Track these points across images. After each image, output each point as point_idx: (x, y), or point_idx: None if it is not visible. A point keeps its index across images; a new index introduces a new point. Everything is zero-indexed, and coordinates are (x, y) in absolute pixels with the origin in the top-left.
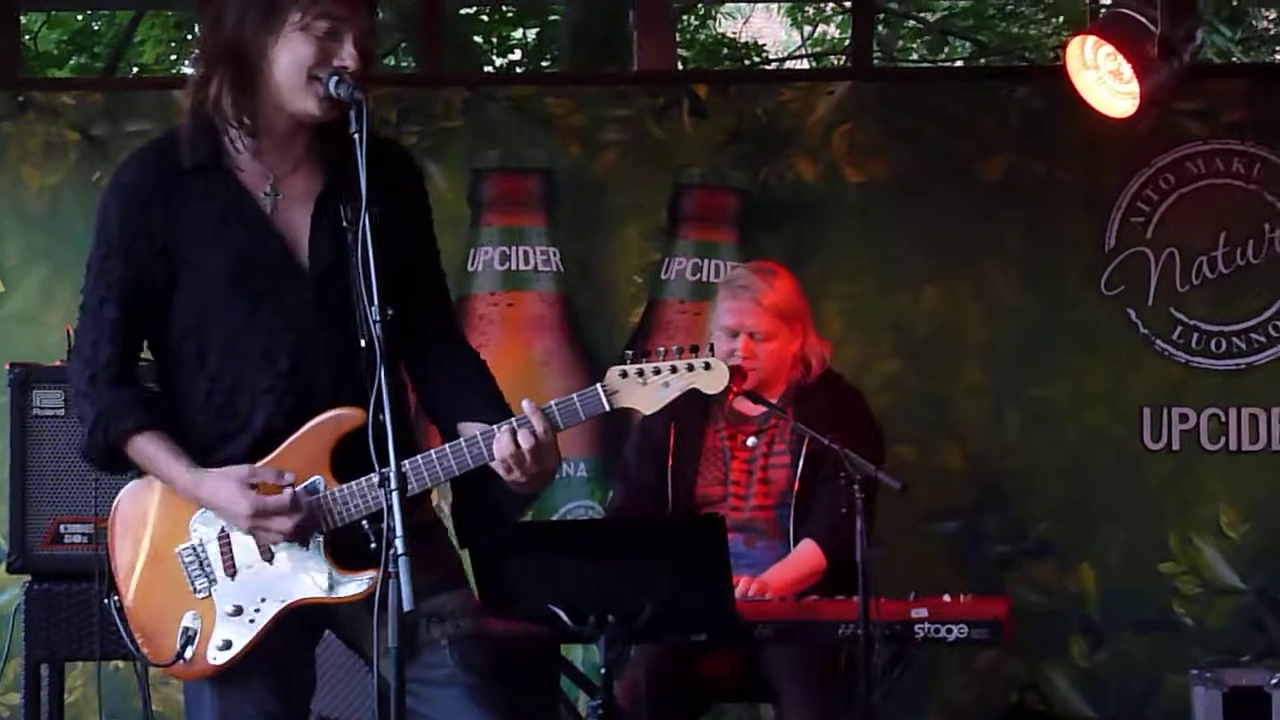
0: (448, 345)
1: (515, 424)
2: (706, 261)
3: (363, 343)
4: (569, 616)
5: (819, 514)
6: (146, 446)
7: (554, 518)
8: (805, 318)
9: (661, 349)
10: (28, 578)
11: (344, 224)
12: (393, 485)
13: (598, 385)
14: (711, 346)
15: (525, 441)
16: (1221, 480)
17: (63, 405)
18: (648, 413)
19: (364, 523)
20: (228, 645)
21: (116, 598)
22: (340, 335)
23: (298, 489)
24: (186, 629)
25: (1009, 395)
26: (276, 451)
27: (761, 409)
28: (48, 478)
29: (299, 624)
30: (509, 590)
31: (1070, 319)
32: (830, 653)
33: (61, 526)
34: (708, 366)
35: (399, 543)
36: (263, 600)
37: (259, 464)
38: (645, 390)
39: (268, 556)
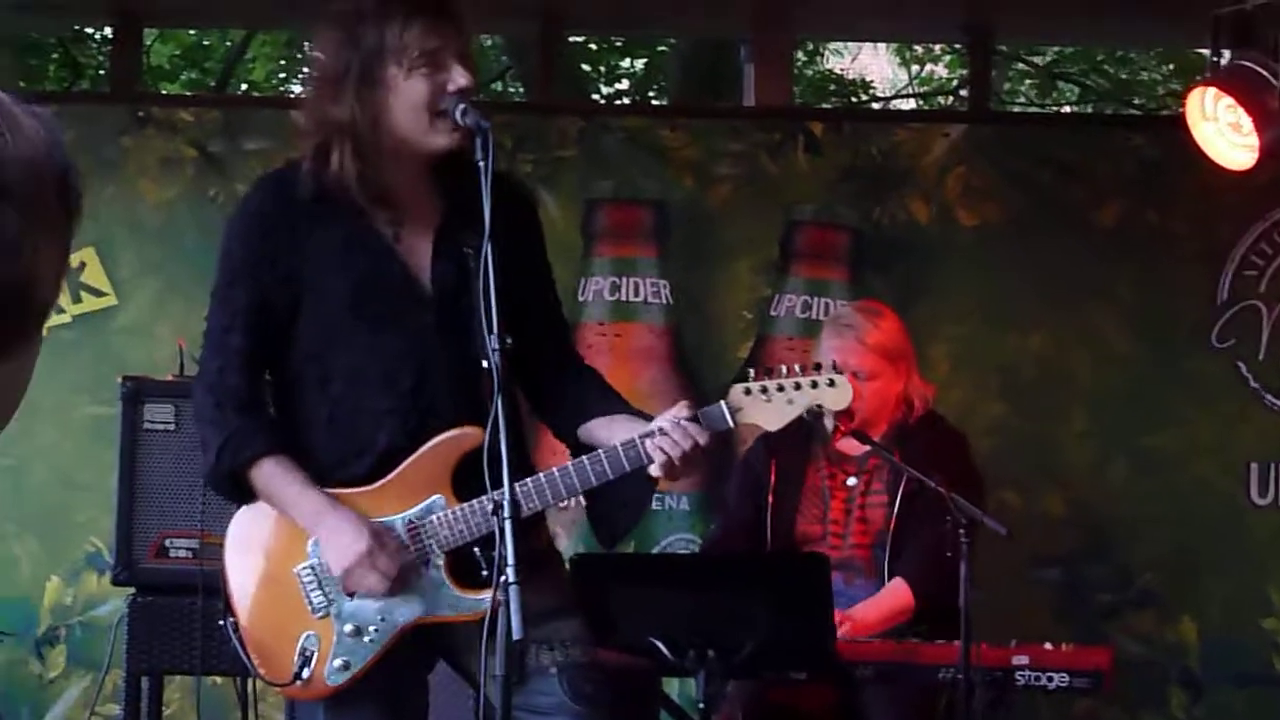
0: (566, 368)
1: (668, 428)
2: (816, 299)
3: (484, 364)
4: (669, 649)
5: (912, 553)
6: (273, 472)
7: (655, 550)
8: (909, 358)
9: (784, 366)
10: (131, 590)
11: (465, 250)
12: (506, 513)
13: (721, 402)
14: (835, 364)
15: (681, 447)
16: None
17: (173, 419)
18: (771, 429)
19: (476, 549)
20: (346, 666)
21: (233, 618)
22: (461, 358)
23: (411, 513)
24: (304, 649)
25: (1115, 443)
26: (399, 469)
27: (863, 449)
28: (155, 491)
29: (415, 648)
30: (610, 621)
31: (1180, 369)
32: (929, 696)
33: (167, 541)
34: (832, 383)
35: (510, 570)
36: (381, 620)
37: (375, 485)
38: (770, 407)
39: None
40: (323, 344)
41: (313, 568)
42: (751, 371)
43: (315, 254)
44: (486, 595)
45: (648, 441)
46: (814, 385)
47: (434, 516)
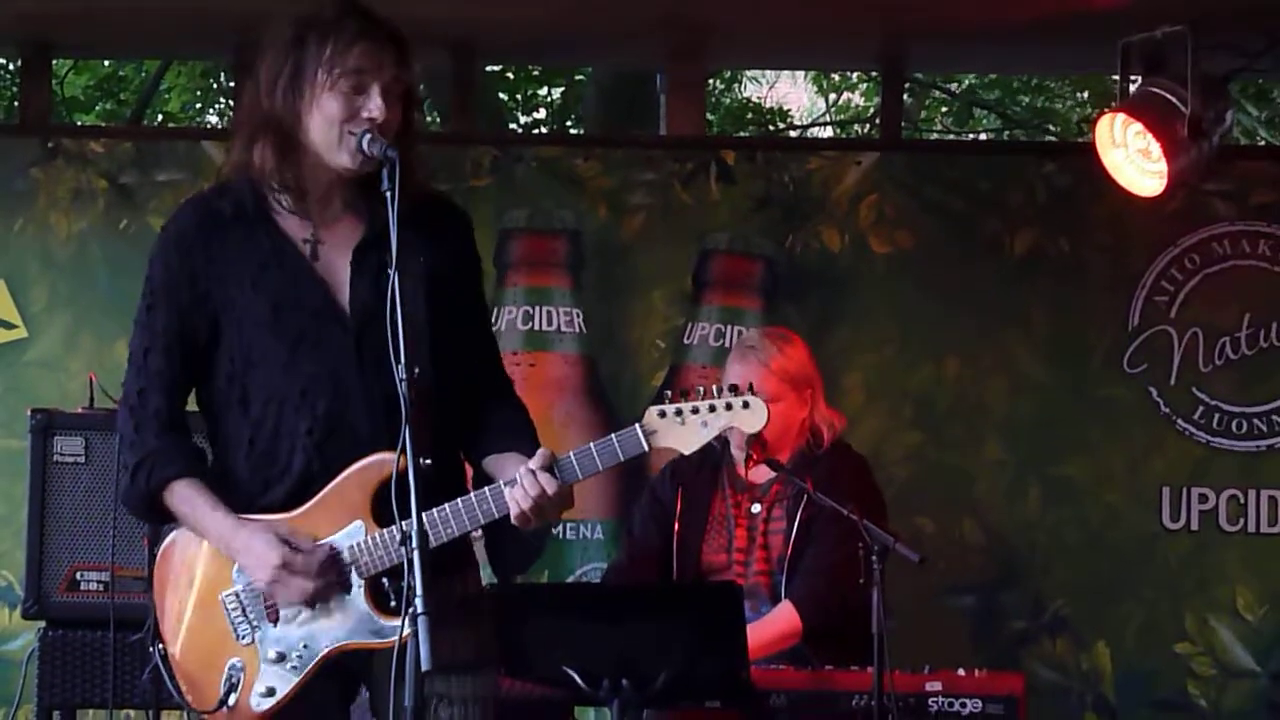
0: (490, 396)
1: (522, 477)
2: (730, 327)
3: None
4: (582, 679)
5: (802, 576)
6: (185, 494)
7: (569, 579)
8: (815, 386)
9: (700, 387)
10: (42, 623)
11: (387, 271)
12: (414, 544)
13: (636, 425)
14: (751, 386)
15: (530, 497)
16: (1239, 562)
17: (83, 452)
18: (686, 452)
19: (385, 580)
20: (270, 693)
21: (162, 645)
22: (380, 380)
23: (333, 539)
24: (230, 676)
25: (1029, 471)
26: (319, 495)
27: (767, 476)
28: (66, 524)
29: (337, 678)
30: (523, 651)
31: (1093, 396)
32: None
33: (78, 574)
34: (746, 405)
35: (419, 601)
36: (305, 646)
37: (296, 512)
38: (684, 430)
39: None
40: (243, 364)
41: (237, 594)
42: (668, 394)
43: (233, 272)
44: (397, 620)
45: (505, 490)
46: (729, 407)
47: (354, 543)
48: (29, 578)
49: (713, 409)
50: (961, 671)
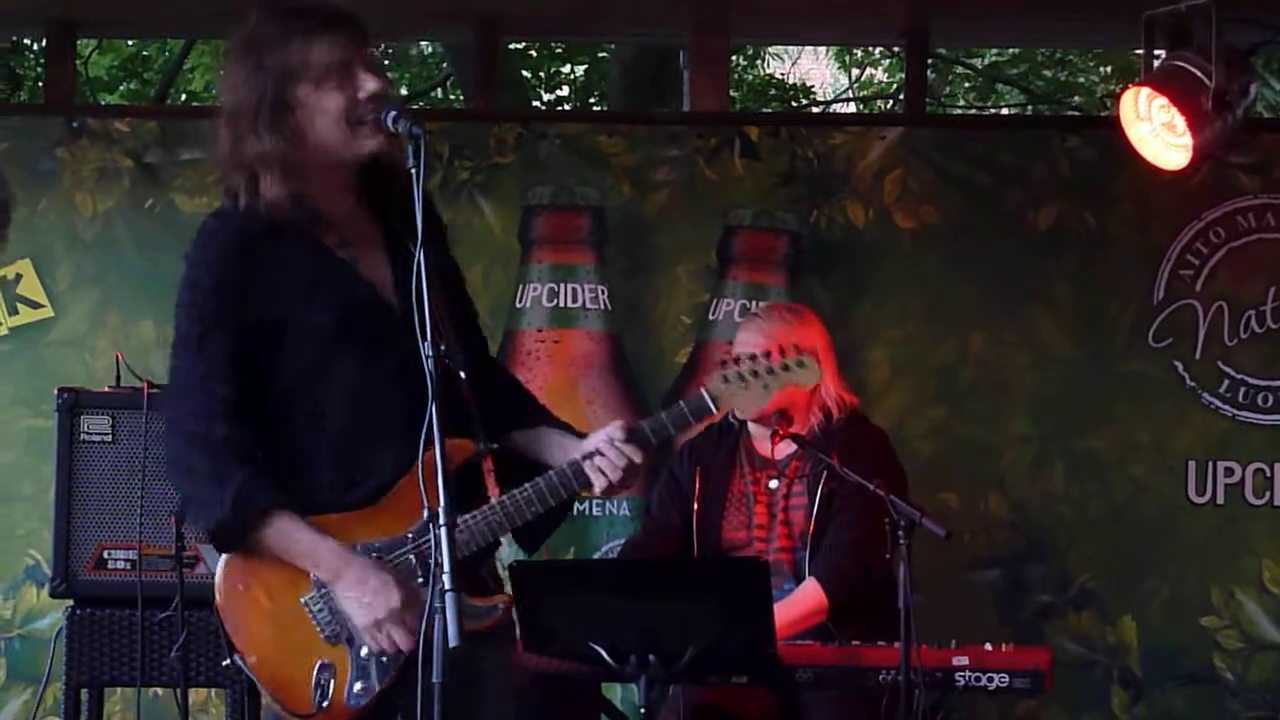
0: (488, 370)
1: (605, 450)
2: (755, 303)
3: (455, 373)
4: (610, 655)
5: (826, 553)
6: (283, 526)
7: (595, 555)
8: (825, 360)
9: (746, 353)
10: (70, 602)
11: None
12: (441, 521)
13: (702, 389)
14: (798, 346)
15: (619, 468)
16: (1265, 535)
17: (110, 431)
18: (750, 416)
19: (412, 557)
20: (366, 689)
21: (239, 656)
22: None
23: (417, 526)
24: (320, 677)
25: (1055, 445)
26: (395, 488)
27: (786, 452)
28: (93, 503)
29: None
30: (550, 628)
31: (1118, 370)
32: (870, 699)
33: (105, 552)
34: (801, 364)
35: (446, 578)
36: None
37: (372, 509)
38: (748, 392)
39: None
40: (311, 379)
41: (321, 595)
42: (722, 361)
43: (284, 291)
44: (497, 600)
45: (587, 464)
46: (785, 368)
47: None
48: (56, 556)
49: (771, 371)
50: (988, 646)
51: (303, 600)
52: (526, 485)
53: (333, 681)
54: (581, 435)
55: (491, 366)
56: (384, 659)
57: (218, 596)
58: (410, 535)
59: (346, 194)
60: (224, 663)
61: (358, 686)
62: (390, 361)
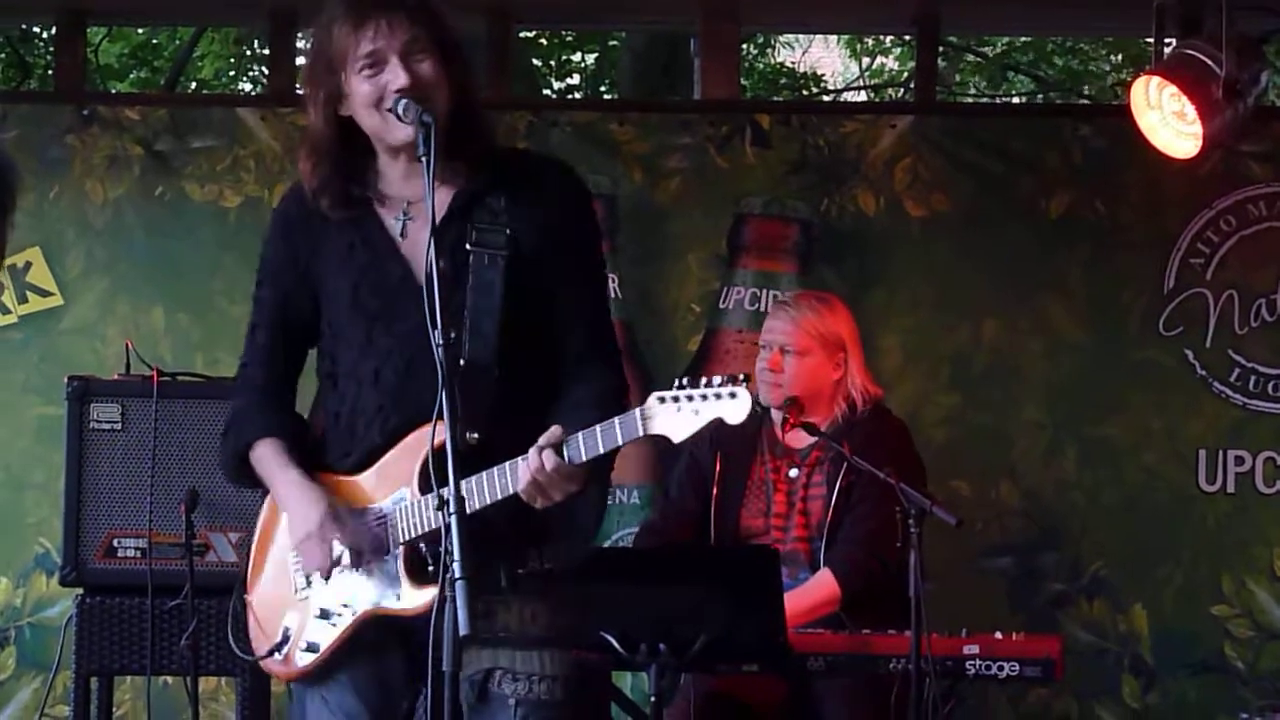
0: (581, 370)
1: (530, 453)
2: (765, 291)
3: (461, 362)
4: (621, 644)
5: (840, 544)
6: (262, 454)
7: (606, 544)
8: (851, 351)
9: (706, 378)
10: (80, 590)
11: (467, 248)
12: (452, 508)
13: (636, 410)
14: (743, 377)
15: (534, 472)
16: (1276, 524)
17: (119, 419)
18: (676, 440)
19: (422, 546)
20: (312, 648)
21: (246, 595)
22: (451, 355)
23: (381, 505)
24: (286, 628)
25: (1067, 432)
26: (377, 463)
27: (807, 441)
28: (103, 491)
29: (387, 637)
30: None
31: (1129, 358)
32: (881, 687)
33: (115, 540)
34: (733, 395)
35: (456, 566)
36: (344, 606)
37: (356, 477)
38: (679, 417)
39: (358, 562)
40: (331, 342)
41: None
42: (676, 380)
43: (328, 254)
44: (431, 591)
45: (519, 464)
46: (717, 397)
47: (398, 509)
48: (66, 545)
49: (704, 398)
50: (999, 634)
51: (290, 553)
52: (478, 474)
53: (294, 635)
54: None
55: (582, 359)
56: (331, 623)
57: (254, 534)
58: (380, 509)
59: (418, 174)
60: (235, 600)
61: (303, 644)
62: (393, 338)
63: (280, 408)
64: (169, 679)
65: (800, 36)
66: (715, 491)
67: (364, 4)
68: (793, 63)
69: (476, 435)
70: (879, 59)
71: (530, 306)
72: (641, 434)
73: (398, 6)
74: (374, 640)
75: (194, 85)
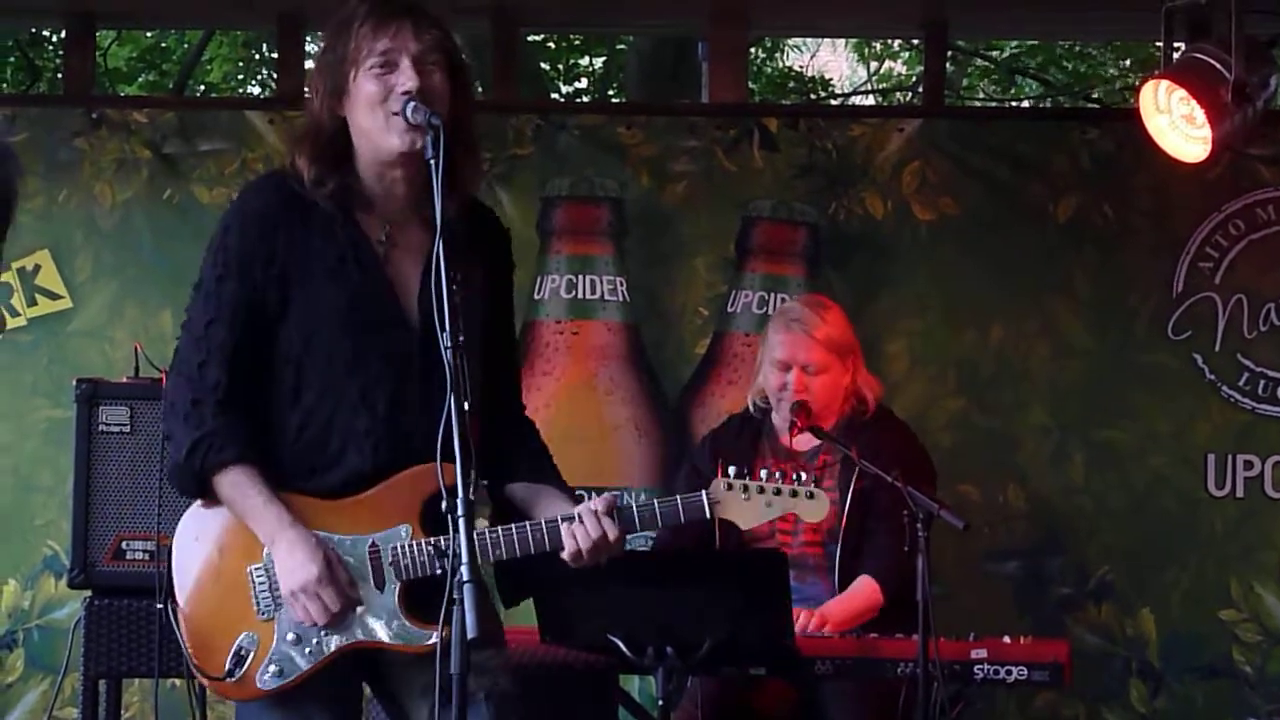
0: (516, 419)
1: (584, 517)
2: (773, 295)
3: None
4: (628, 647)
5: (876, 551)
6: (238, 480)
7: None
8: (856, 352)
9: (764, 471)
10: (88, 593)
11: (453, 285)
12: (459, 512)
13: (703, 493)
14: (800, 475)
15: (591, 539)
16: None
17: (128, 422)
18: (745, 527)
19: (425, 559)
20: (281, 673)
21: (173, 603)
22: (439, 392)
23: (376, 537)
24: (241, 647)
25: (1074, 437)
26: (371, 491)
27: (812, 445)
28: (111, 494)
29: (351, 666)
30: (567, 619)
31: (1137, 362)
32: (888, 691)
33: (124, 543)
34: (811, 495)
35: (465, 569)
36: (324, 634)
37: (342, 501)
38: (748, 505)
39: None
40: (302, 352)
41: (266, 570)
42: (732, 470)
43: (311, 258)
44: (434, 630)
45: (563, 526)
46: (794, 494)
47: (397, 544)
48: (75, 547)
49: (778, 492)
50: (1006, 639)
51: (249, 569)
52: (498, 528)
53: (252, 656)
54: (579, 501)
55: (515, 416)
56: (307, 650)
57: (174, 538)
58: (374, 541)
59: (395, 195)
60: (158, 605)
61: (272, 669)
62: (386, 364)
63: (251, 427)
64: (177, 681)
65: (808, 40)
66: None
67: (388, 8)
68: (801, 66)
69: (486, 481)
70: (887, 63)
71: (490, 350)
72: (708, 517)
73: (421, 17)
74: (345, 664)
75: (202, 88)
